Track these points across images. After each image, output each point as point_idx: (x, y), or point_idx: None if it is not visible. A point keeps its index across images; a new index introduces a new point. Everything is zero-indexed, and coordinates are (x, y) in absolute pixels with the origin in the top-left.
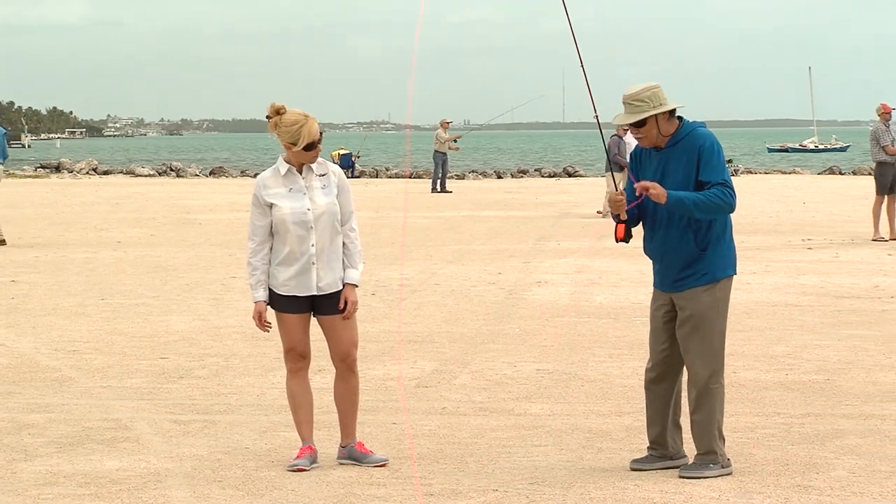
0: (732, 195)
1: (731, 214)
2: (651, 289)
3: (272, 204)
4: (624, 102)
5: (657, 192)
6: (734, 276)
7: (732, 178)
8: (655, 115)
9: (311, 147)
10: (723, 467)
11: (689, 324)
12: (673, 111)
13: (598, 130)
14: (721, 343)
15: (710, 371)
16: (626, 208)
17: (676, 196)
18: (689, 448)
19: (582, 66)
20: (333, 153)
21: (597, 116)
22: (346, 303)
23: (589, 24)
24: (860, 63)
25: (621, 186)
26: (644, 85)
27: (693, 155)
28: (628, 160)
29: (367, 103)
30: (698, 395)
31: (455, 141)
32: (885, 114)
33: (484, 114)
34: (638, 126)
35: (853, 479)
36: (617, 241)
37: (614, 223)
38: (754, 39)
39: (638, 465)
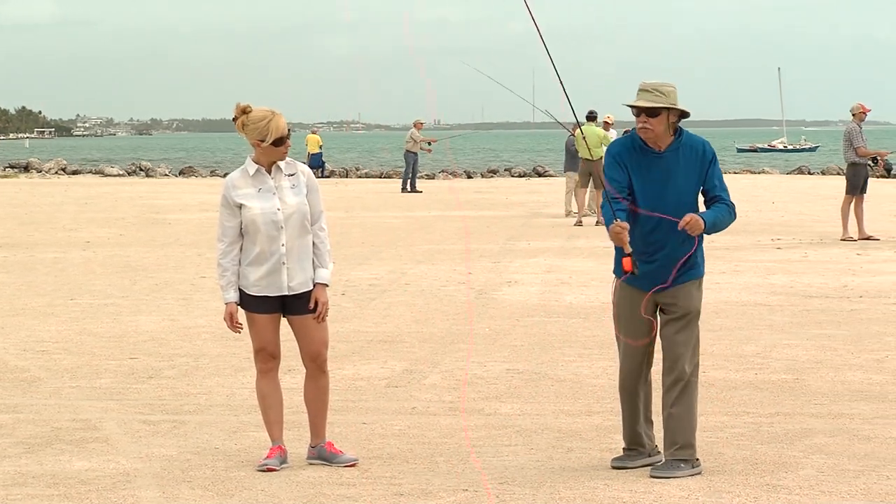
0: (735, 210)
1: None
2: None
3: (242, 204)
4: (642, 90)
5: (693, 224)
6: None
7: None
8: (670, 110)
9: (280, 142)
10: (693, 466)
11: (684, 318)
12: (682, 116)
13: (579, 126)
14: (698, 338)
15: (694, 364)
16: (626, 236)
17: (711, 220)
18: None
19: (554, 66)
20: (309, 137)
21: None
22: (316, 303)
23: (557, 24)
24: (829, 63)
25: (585, 194)
26: (665, 81)
27: (698, 160)
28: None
29: (337, 103)
30: (683, 388)
31: (429, 143)
32: (861, 114)
33: (454, 113)
34: (650, 115)
35: (822, 478)
36: (623, 276)
37: (617, 255)
38: (722, 39)
39: (619, 464)
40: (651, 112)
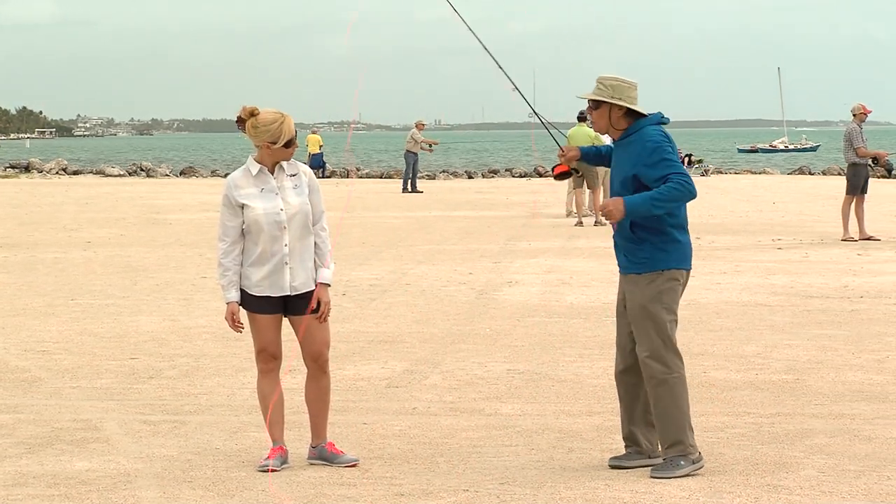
0: (689, 182)
1: (698, 215)
2: None
3: (244, 204)
4: (596, 82)
5: (612, 208)
6: (687, 272)
7: (703, 178)
8: (609, 105)
9: (290, 144)
10: (693, 462)
11: (634, 314)
12: (631, 111)
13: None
14: (665, 335)
15: (663, 361)
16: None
17: (631, 202)
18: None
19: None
20: (309, 137)
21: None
22: (318, 303)
23: (557, 24)
24: (830, 64)
25: (582, 195)
26: (619, 76)
27: (640, 150)
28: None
29: (337, 103)
30: (654, 386)
31: (430, 146)
32: (862, 114)
33: (454, 114)
34: (593, 108)
35: (822, 479)
36: (556, 177)
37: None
38: (722, 39)
39: (617, 463)
40: (594, 104)
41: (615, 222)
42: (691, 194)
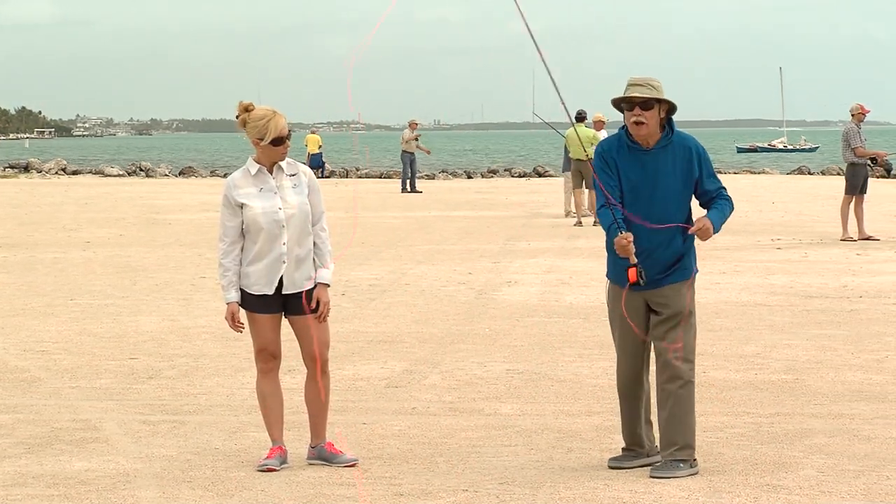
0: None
1: (697, 215)
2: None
3: (243, 204)
4: (633, 84)
5: (704, 231)
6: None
7: None
8: (661, 103)
9: (279, 142)
10: (691, 467)
11: (674, 318)
12: (672, 110)
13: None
14: (695, 339)
15: (690, 363)
16: (632, 248)
17: (716, 221)
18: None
19: (547, 68)
20: (309, 137)
21: (571, 110)
22: (318, 303)
23: (557, 24)
24: (829, 64)
25: (581, 194)
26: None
27: (688, 157)
28: (594, 160)
29: (337, 103)
30: (679, 388)
31: (417, 140)
32: (860, 114)
33: (453, 114)
34: (645, 108)
35: (822, 479)
36: (631, 287)
37: (612, 258)
38: (722, 39)
39: (616, 464)
40: (645, 105)
41: (706, 239)
42: (733, 212)
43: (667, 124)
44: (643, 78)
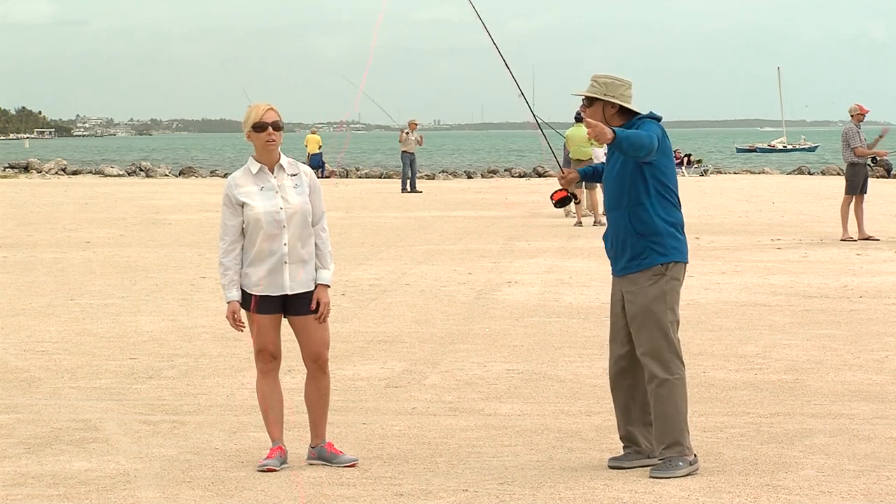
0: (654, 138)
1: (697, 215)
2: None
3: (244, 203)
4: (591, 80)
5: (599, 129)
6: (685, 267)
7: (702, 178)
8: (603, 102)
9: (261, 128)
10: (690, 464)
11: (638, 314)
12: (624, 109)
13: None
14: (668, 336)
15: (665, 361)
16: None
17: (624, 133)
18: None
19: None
20: (309, 137)
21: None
22: (318, 304)
23: (557, 24)
24: (829, 64)
25: (580, 194)
26: (614, 74)
27: None
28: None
29: (336, 103)
30: (656, 387)
31: (406, 132)
32: (859, 115)
33: (453, 114)
34: (587, 105)
35: (822, 479)
36: (555, 204)
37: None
38: (722, 39)
39: (616, 464)
40: (588, 101)
41: (604, 142)
42: (651, 147)
43: (628, 119)
44: (599, 74)
